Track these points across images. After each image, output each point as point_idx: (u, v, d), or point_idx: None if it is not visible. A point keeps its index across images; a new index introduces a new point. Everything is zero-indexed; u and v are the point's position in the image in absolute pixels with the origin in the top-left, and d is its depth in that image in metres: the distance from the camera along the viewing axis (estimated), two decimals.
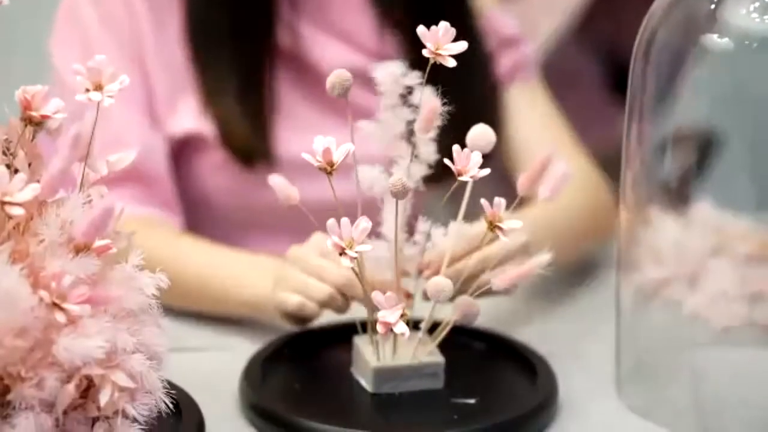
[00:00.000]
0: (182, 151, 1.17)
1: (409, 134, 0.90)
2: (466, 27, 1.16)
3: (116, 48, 1.13)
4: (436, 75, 0.86)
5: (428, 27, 0.84)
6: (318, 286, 0.95)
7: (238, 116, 1.13)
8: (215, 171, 1.16)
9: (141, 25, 1.14)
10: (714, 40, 0.94)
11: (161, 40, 1.14)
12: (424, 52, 0.85)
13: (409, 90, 0.88)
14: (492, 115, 1.16)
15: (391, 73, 0.88)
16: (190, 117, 1.15)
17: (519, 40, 1.22)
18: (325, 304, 0.96)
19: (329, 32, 1.16)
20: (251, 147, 1.05)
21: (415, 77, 0.88)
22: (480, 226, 0.87)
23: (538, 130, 1.17)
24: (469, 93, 1.14)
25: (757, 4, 0.93)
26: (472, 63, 1.14)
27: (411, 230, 0.93)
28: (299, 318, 0.98)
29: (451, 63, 0.85)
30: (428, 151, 0.91)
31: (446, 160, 0.86)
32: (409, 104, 0.89)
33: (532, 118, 1.18)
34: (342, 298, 0.96)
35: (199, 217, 1.18)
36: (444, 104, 0.87)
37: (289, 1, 1.15)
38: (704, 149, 1.16)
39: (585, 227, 0.97)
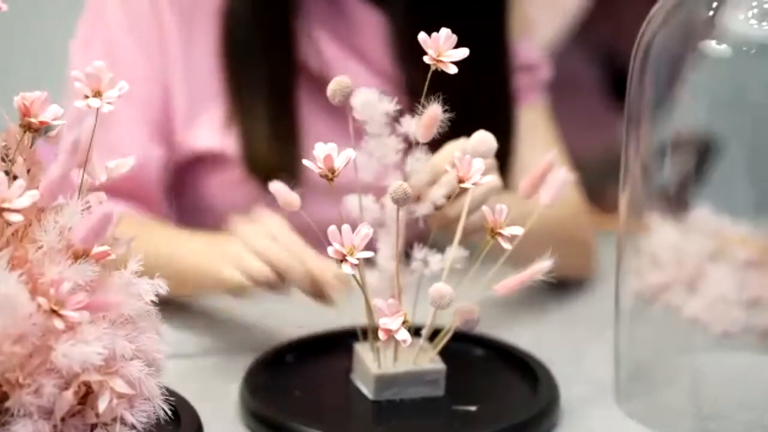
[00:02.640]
0: (195, 165, 1.17)
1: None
2: (492, 51, 1.18)
3: (139, 55, 1.13)
4: (449, 88, 0.86)
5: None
6: (254, 264, 0.94)
7: (267, 138, 1.13)
8: (230, 187, 1.16)
9: (168, 36, 1.13)
10: (712, 45, 0.94)
11: (187, 54, 1.14)
12: (426, 59, 0.85)
13: (396, 118, 0.88)
14: (507, 132, 1.17)
15: (366, 101, 0.87)
16: (210, 133, 1.15)
17: (538, 66, 1.22)
18: (261, 284, 0.95)
19: (355, 58, 1.16)
20: (277, 168, 1.04)
21: (391, 104, 0.87)
22: (443, 152, 0.88)
23: (534, 152, 1.17)
24: (487, 111, 1.15)
25: (755, 11, 0.93)
26: (496, 88, 1.17)
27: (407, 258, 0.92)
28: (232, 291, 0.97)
29: (452, 69, 0.85)
30: (438, 195, 0.90)
31: (447, 167, 0.86)
32: (398, 134, 0.88)
33: (531, 140, 1.19)
34: (279, 280, 0.94)
35: (209, 227, 1.18)
36: (445, 111, 0.87)
37: (320, 25, 1.15)
38: (703, 155, 1.16)
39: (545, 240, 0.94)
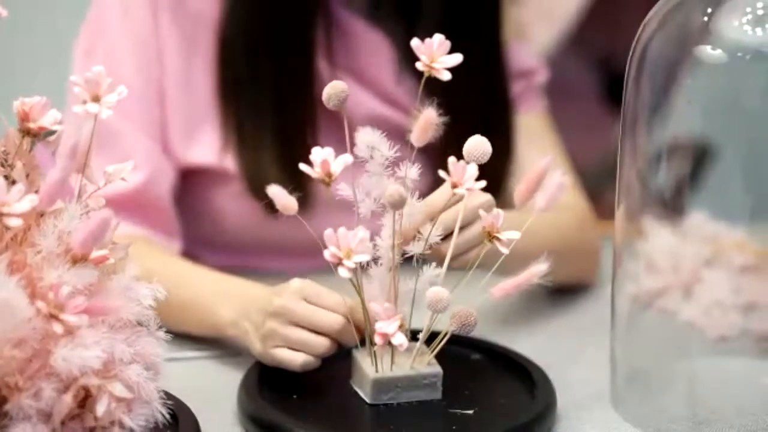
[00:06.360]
0: (197, 177, 1.16)
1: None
2: (489, 59, 1.18)
3: (137, 66, 1.13)
4: (447, 94, 0.86)
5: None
6: (317, 341, 0.92)
7: (273, 160, 1.12)
8: (233, 199, 1.16)
9: (166, 49, 1.13)
10: (707, 51, 0.95)
11: (186, 69, 1.14)
12: (418, 65, 0.85)
13: (395, 162, 0.87)
14: (506, 139, 1.18)
15: (368, 141, 0.87)
16: (208, 150, 1.15)
17: (534, 71, 1.23)
18: (324, 353, 0.94)
19: (356, 79, 1.16)
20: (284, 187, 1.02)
21: (390, 150, 0.87)
22: (439, 191, 0.88)
23: (534, 158, 1.17)
24: (486, 118, 1.15)
25: (749, 17, 0.94)
26: (491, 93, 1.18)
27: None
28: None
29: (446, 76, 0.85)
30: (433, 235, 0.89)
31: (441, 172, 0.86)
32: (397, 177, 0.88)
33: (530, 147, 1.19)
34: (337, 345, 0.94)
35: (211, 236, 1.18)
36: (440, 116, 0.87)
37: (326, 52, 1.15)
38: (699, 160, 1.17)
39: (553, 248, 0.94)
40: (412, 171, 0.87)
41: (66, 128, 0.81)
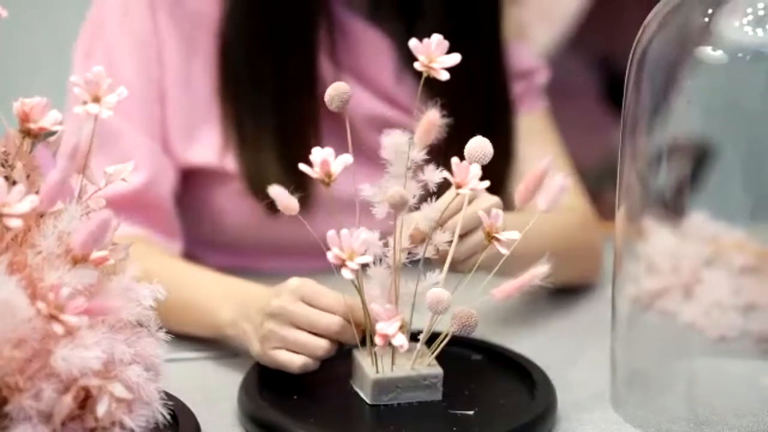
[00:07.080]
0: (198, 177, 1.16)
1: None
2: (489, 59, 1.18)
3: (137, 66, 1.13)
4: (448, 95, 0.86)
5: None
6: (316, 343, 0.92)
7: (274, 161, 1.12)
8: (233, 199, 1.16)
9: (166, 49, 1.13)
10: (708, 52, 0.95)
11: (186, 69, 1.14)
12: (416, 65, 0.85)
13: (419, 165, 0.87)
14: (507, 140, 1.18)
15: (395, 143, 0.87)
16: (209, 150, 1.14)
17: (534, 72, 1.23)
18: (323, 355, 0.93)
19: (356, 79, 1.16)
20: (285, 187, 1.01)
21: (420, 153, 0.86)
22: (447, 195, 0.88)
23: (535, 159, 1.17)
24: (486, 119, 1.15)
25: (750, 18, 0.94)
26: (492, 94, 1.18)
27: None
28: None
29: (444, 76, 0.85)
30: (440, 240, 0.89)
31: (445, 173, 0.86)
32: (418, 179, 0.87)
33: (532, 147, 1.19)
34: (336, 345, 0.93)
35: (212, 236, 1.18)
36: (443, 117, 0.87)
37: (327, 52, 1.15)
38: (699, 161, 1.17)
39: (556, 249, 0.94)
40: (436, 174, 0.87)
41: (66, 129, 0.81)
